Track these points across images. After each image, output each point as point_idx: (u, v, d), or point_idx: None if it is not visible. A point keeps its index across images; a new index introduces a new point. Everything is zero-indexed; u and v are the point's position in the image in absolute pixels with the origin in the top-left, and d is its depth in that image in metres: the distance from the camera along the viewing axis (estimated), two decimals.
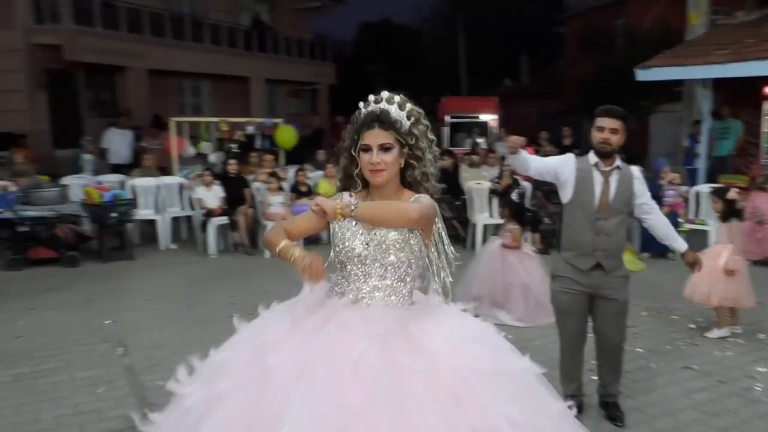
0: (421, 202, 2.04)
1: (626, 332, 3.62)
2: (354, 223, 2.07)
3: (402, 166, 2.13)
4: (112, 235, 8.02)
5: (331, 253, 2.14)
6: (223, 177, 8.70)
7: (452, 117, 15.70)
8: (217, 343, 2.16)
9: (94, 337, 4.96)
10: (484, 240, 7.64)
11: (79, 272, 7.22)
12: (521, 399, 1.92)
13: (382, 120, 2.08)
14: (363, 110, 2.15)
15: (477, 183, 8.71)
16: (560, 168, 3.46)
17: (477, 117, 15.96)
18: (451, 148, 12.07)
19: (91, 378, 4.19)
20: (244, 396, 1.86)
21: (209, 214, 8.22)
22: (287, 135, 10.48)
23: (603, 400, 3.65)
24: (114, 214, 7.80)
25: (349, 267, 2.08)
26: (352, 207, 2.00)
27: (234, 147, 10.48)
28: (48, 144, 13.37)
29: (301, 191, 8.83)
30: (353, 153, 2.13)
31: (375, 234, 2.05)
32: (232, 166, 8.77)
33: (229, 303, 5.75)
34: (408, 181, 2.17)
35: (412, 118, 2.13)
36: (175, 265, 7.63)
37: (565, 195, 3.47)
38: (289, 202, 8.41)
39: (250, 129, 10.75)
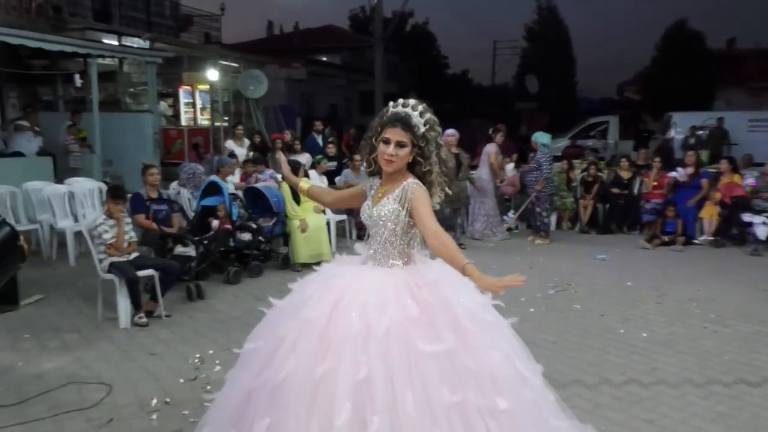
0: (436, 226, 2.49)
1: None
2: (369, 198, 2.70)
3: (410, 161, 2.60)
4: None
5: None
6: None
7: None
8: None
9: None
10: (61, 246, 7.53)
11: None
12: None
13: (404, 122, 2.54)
14: (392, 109, 2.60)
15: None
16: None
17: None
18: None
19: None
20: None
21: None
22: None
23: None
24: None
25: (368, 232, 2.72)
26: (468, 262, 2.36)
27: None
28: None
29: None
30: (374, 142, 2.61)
31: (375, 209, 2.63)
32: None
33: None
34: (416, 174, 2.62)
35: (428, 125, 2.59)
36: None
37: None
38: None
39: None
